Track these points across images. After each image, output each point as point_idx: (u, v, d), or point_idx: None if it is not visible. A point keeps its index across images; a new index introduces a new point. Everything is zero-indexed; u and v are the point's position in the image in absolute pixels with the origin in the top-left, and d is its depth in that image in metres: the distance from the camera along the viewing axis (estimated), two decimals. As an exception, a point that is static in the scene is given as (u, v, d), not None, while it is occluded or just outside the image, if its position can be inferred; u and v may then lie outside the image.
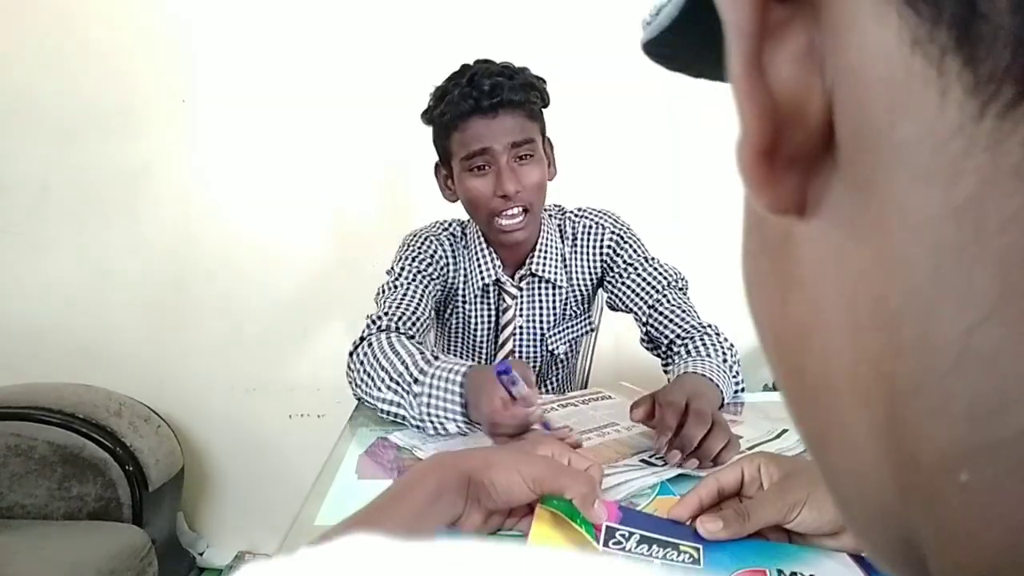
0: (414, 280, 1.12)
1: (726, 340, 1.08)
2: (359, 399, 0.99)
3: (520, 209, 1.05)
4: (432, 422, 0.87)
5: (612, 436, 0.85)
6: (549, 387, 1.31)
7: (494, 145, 1.00)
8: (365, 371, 0.95)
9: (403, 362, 0.92)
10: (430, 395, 0.87)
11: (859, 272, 0.15)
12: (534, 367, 1.25)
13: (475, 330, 1.22)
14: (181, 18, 1.65)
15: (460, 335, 1.24)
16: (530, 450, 0.63)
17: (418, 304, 1.07)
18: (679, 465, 0.75)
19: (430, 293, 1.13)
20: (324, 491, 0.76)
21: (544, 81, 1.06)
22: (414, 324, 1.04)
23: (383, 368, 0.93)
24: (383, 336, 0.99)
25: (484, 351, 1.24)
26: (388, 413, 0.92)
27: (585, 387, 1.46)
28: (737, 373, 1.04)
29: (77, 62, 1.67)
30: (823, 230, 0.16)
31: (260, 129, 1.72)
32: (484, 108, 0.99)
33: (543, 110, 1.08)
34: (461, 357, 1.26)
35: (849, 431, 0.16)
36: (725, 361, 1.01)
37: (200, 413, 1.86)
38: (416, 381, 0.88)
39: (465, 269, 1.18)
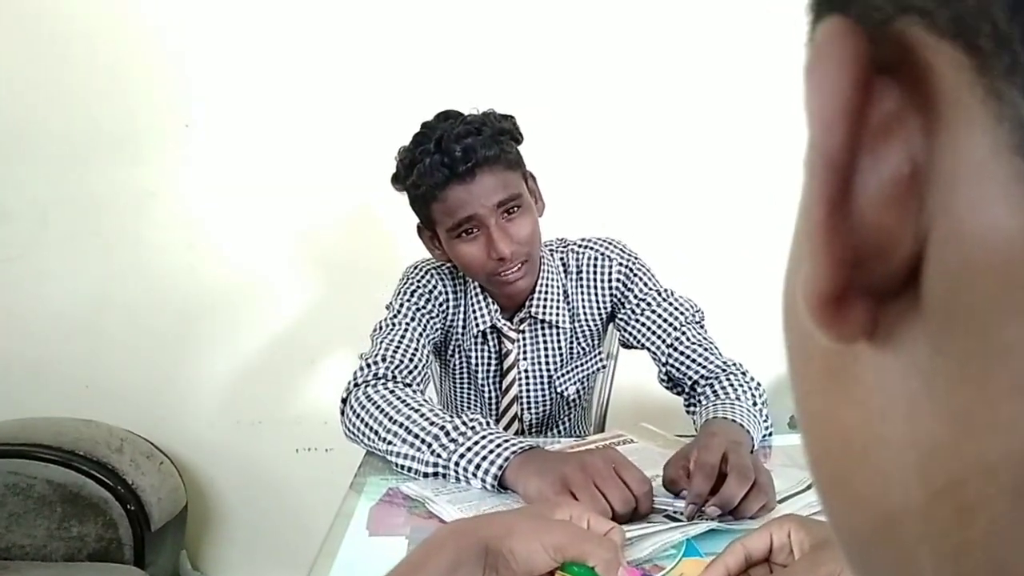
0: (413, 320, 1.11)
1: (752, 379, 1.07)
2: (358, 443, 1.00)
3: (519, 264, 1.05)
4: (459, 474, 0.87)
5: (635, 488, 0.85)
6: (561, 429, 1.30)
7: (479, 211, 0.99)
8: (367, 424, 0.96)
9: (423, 416, 0.92)
10: (470, 449, 0.87)
11: (936, 427, 0.14)
12: (544, 410, 1.24)
13: (476, 373, 1.22)
14: (184, 43, 1.67)
15: (464, 376, 1.24)
16: (548, 514, 0.62)
17: (416, 350, 1.07)
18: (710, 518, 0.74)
19: (428, 336, 1.13)
20: (334, 550, 0.76)
21: (512, 119, 1.05)
22: (411, 372, 1.04)
23: (394, 421, 0.93)
24: (380, 386, 0.98)
25: (488, 394, 1.23)
26: (398, 465, 0.92)
27: (602, 428, 1.46)
28: (767, 417, 1.03)
29: (78, 87, 1.69)
30: (894, 365, 0.15)
31: (265, 155, 1.73)
32: (460, 174, 0.97)
33: (518, 148, 1.06)
34: (467, 399, 1.26)
35: (912, 567, 0.16)
36: (755, 404, 1.01)
37: (204, 448, 1.87)
38: (450, 437, 0.89)
39: (463, 317, 1.18)
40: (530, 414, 1.24)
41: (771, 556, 0.63)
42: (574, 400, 1.27)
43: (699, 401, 1.06)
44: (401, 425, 0.92)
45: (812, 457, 0.19)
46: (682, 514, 0.76)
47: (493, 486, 0.85)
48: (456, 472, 0.87)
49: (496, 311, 1.16)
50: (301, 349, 1.84)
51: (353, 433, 1.00)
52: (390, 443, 0.92)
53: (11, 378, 1.82)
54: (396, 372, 1.02)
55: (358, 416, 0.97)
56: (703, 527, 0.72)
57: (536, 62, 1.67)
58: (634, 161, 1.73)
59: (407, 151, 1.04)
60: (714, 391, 1.03)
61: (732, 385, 1.03)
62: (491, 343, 1.20)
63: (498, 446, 0.86)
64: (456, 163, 0.96)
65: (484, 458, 0.85)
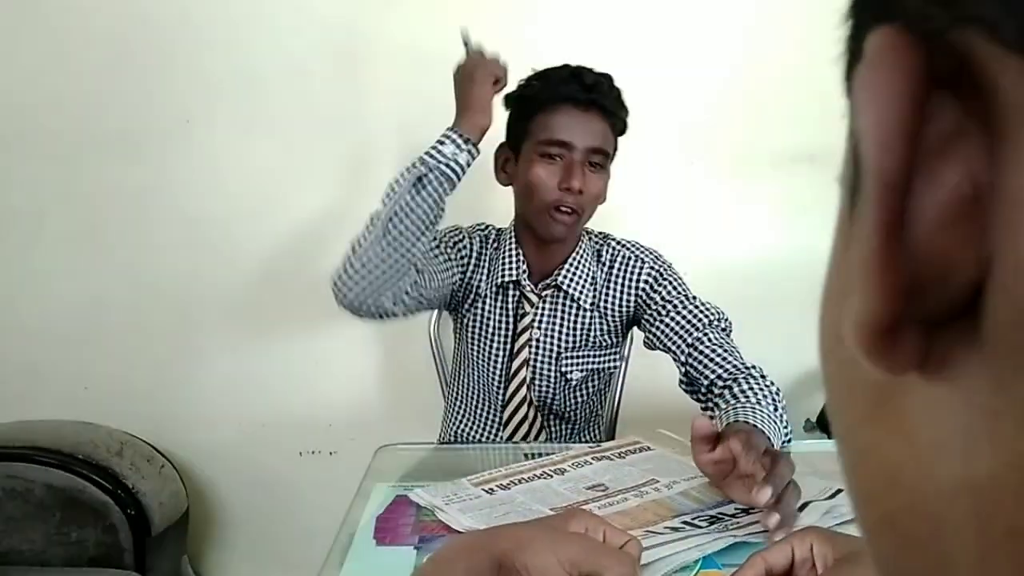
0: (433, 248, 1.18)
1: (772, 384, 1.07)
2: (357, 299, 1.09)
3: (572, 210, 1.10)
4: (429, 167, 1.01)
5: (652, 496, 0.84)
6: (571, 425, 1.31)
7: (576, 141, 1.07)
8: (352, 253, 1.08)
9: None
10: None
11: (997, 471, 0.13)
12: (549, 389, 1.26)
13: (491, 332, 1.24)
14: (183, 37, 1.67)
15: (477, 337, 1.26)
16: (562, 526, 0.62)
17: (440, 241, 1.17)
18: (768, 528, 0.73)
19: (440, 261, 1.18)
20: (340, 560, 0.76)
21: (628, 112, 1.13)
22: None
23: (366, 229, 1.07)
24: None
25: (499, 358, 1.25)
26: (392, 216, 1.04)
27: (612, 433, 1.46)
28: (787, 423, 1.02)
29: (76, 84, 1.69)
30: (948, 398, 0.15)
31: (268, 151, 1.73)
32: (579, 100, 1.06)
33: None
34: (477, 362, 1.28)
35: None
36: (776, 410, 1.00)
37: (206, 451, 1.87)
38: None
39: (488, 268, 1.23)
40: (536, 386, 1.25)
41: (793, 570, 0.62)
42: (579, 390, 1.27)
43: (716, 404, 1.05)
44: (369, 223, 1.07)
45: (857, 494, 0.18)
46: (702, 520, 0.75)
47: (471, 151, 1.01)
48: (438, 163, 1.01)
49: (524, 270, 1.20)
50: (305, 351, 1.84)
51: (343, 281, 1.11)
52: (369, 230, 1.06)
53: (9, 380, 1.82)
54: None
55: (344, 266, 1.10)
56: (722, 543, 0.72)
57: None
58: (639, 162, 1.71)
59: (538, 71, 1.12)
60: (733, 394, 1.03)
61: (752, 388, 1.03)
62: (510, 300, 1.23)
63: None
64: (582, 90, 1.06)
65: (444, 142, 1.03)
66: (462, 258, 1.21)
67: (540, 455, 0.99)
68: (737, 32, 1.68)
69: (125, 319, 1.81)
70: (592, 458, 0.95)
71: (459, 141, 1.03)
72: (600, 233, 1.27)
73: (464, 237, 1.23)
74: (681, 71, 1.69)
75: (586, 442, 1.35)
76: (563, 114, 1.07)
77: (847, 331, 0.15)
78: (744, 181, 1.76)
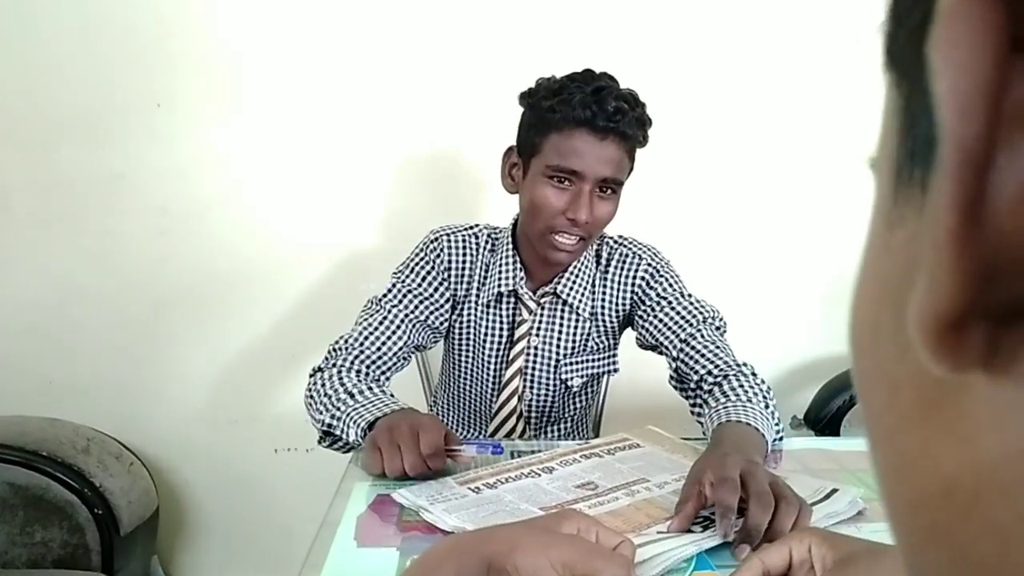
0: (400, 303, 1.16)
1: (763, 381, 1.07)
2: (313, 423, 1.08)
3: (578, 237, 1.08)
4: (343, 424, 0.97)
5: (643, 496, 0.84)
6: (563, 426, 1.30)
7: (587, 171, 1.03)
8: (314, 404, 1.05)
9: (348, 393, 1.01)
10: (363, 405, 0.98)
11: None
12: (546, 397, 1.26)
13: (485, 341, 1.23)
14: (155, 15, 1.64)
15: (469, 346, 1.25)
16: (554, 527, 0.61)
17: (391, 338, 1.13)
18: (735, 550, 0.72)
19: (417, 319, 1.17)
20: (320, 562, 0.74)
21: (651, 123, 1.09)
22: (375, 363, 1.11)
23: (327, 395, 1.03)
24: (336, 374, 1.06)
25: (493, 367, 1.24)
26: (315, 420, 1.04)
27: (597, 429, 1.45)
28: (778, 420, 1.02)
29: (42, 64, 1.65)
30: (1017, 399, 0.14)
31: (243, 135, 1.70)
32: (598, 127, 1.01)
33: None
34: (469, 372, 1.27)
35: None
36: (767, 407, 1.00)
37: (177, 448, 1.85)
38: (354, 400, 1.00)
39: (482, 277, 1.20)
40: (531, 394, 1.25)
41: (791, 572, 0.62)
42: (578, 395, 1.28)
43: (706, 401, 1.05)
44: (330, 398, 1.02)
45: (899, 502, 0.17)
46: (696, 522, 0.75)
47: (359, 437, 0.94)
48: (342, 424, 0.97)
49: (523, 278, 1.19)
50: (281, 344, 1.82)
51: (308, 412, 1.07)
52: (320, 412, 1.02)
53: (-30, 374, 1.78)
54: (361, 364, 1.09)
55: (311, 397, 1.07)
56: (716, 540, 0.71)
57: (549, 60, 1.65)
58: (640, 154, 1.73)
59: (561, 79, 1.07)
60: (723, 392, 1.03)
61: (742, 386, 1.02)
62: (505, 309, 1.22)
63: (384, 404, 0.97)
64: (602, 115, 1.01)
65: (367, 410, 0.96)
66: (445, 277, 1.19)
67: (527, 453, 0.98)
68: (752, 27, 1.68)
69: (93, 310, 1.77)
70: (581, 456, 0.95)
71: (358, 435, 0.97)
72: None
73: (447, 252, 1.19)
74: (670, 63, 1.69)
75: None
76: (578, 140, 1.03)
77: (911, 322, 0.14)
78: (731, 176, 1.77)
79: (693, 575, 0.69)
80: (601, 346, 1.25)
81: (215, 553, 1.93)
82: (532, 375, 1.23)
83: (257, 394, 1.84)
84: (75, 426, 1.70)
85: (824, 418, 1.67)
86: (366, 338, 1.11)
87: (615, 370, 1.30)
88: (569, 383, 1.24)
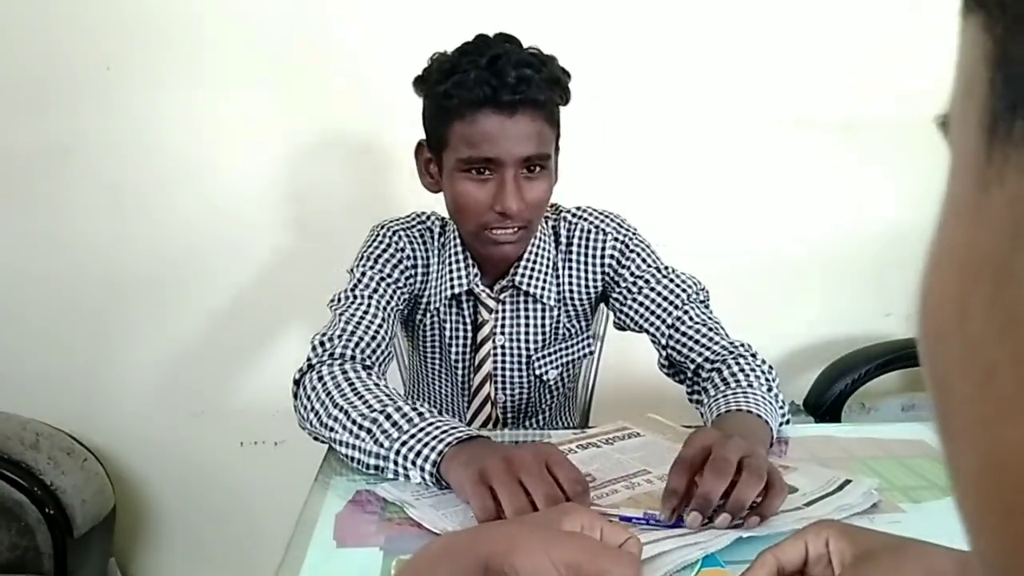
0: (376, 292, 1.10)
1: (764, 362, 1.06)
2: (314, 438, 0.97)
3: (516, 227, 1.03)
4: (398, 464, 0.85)
5: (644, 488, 0.83)
6: (541, 418, 1.30)
7: (504, 155, 0.97)
8: (313, 409, 0.94)
9: (365, 402, 0.90)
10: (413, 436, 0.84)
11: None
12: (520, 394, 1.24)
13: (447, 345, 1.21)
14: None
15: (433, 349, 1.23)
16: (555, 524, 0.59)
17: (379, 326, 1.05)
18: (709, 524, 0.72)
19: (394, 308, 1.11)
20: (297, 565, 0.72)
21: (570, 76, 1.03)
22: (374, 352, 1.02)
23: (337, 406, 0.91)
24: (336, 367, 0.97)
25: (461, 371, 1.22)
26: (343, 455, 0.91)
27: (587, 417, 1.45)
28: (783, 403, 1.02)
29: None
30: None
31: (202, 103, 1.67)
32: (503, 103, 0.95)
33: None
34: (436, 375, 1.25)
35: None
36: (770, 390, 0.99)
37: (135, 442, 1.82)
38: (393, 421, 0.86)
39: (438, 272, 1.16)
40: (505, 395, 1.23)
41: (807, 568, 0.61)
42: (555, 386, 1.26)
43: (705, 389, 1.04)
44: (343, 410, 0.90)
45: (995, 504, 0.16)
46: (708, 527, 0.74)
47: (432, 477, 0.82)
48: (396, 464, 0.85)
49: (476, 275, 1.14)
50: (247, 328, 1.80)
51: (303, 420, 0.98)
52: (332, 429, 0.91)
53: (-95, 364, 1.75)
54: (355, 351, 1.01)
55: (308, 399, 0.96)
56: (728, 539, 0.70)
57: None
58: (635, 142, 1.75)
59: (451, 56, 1.00)
60: (722, 378, 1.02)
61: (743, 370, 1.01)
62: (465, 310, 1.18)
63: (442, 432, 0.83)
64: (503, 89, 0.94)
65: (426, 444, 0.83)
66: (409, 271, 1.14)
67: (518, 443, 0.97)
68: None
69: (40, 294, 1.74)
70: (577, 446, 0.93)
71: (425, 477, 0.84)
72: (552, 206, 1.20)
73: (402, 242, 1.14)
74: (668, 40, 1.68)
75: None
76: (484, 122, 0.96)
77: None
78: (729, 157, 1.79)
79: (702, 572, 0.69)
80: (573, 331, 1.22)
81: (177, 554, 1.91)
82: (503, 376, 1.21)
83: (221, 383, 1.83)
84: (23, 420, 1.68)
85: (824, 404, 1.68)
86: (355, 327, 1.02)
87: (591, 353, 1.28)
88: (544, 377, 1.22)
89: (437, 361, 1.23)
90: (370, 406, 0.89)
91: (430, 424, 0.85)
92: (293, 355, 1.80)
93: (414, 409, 0.88)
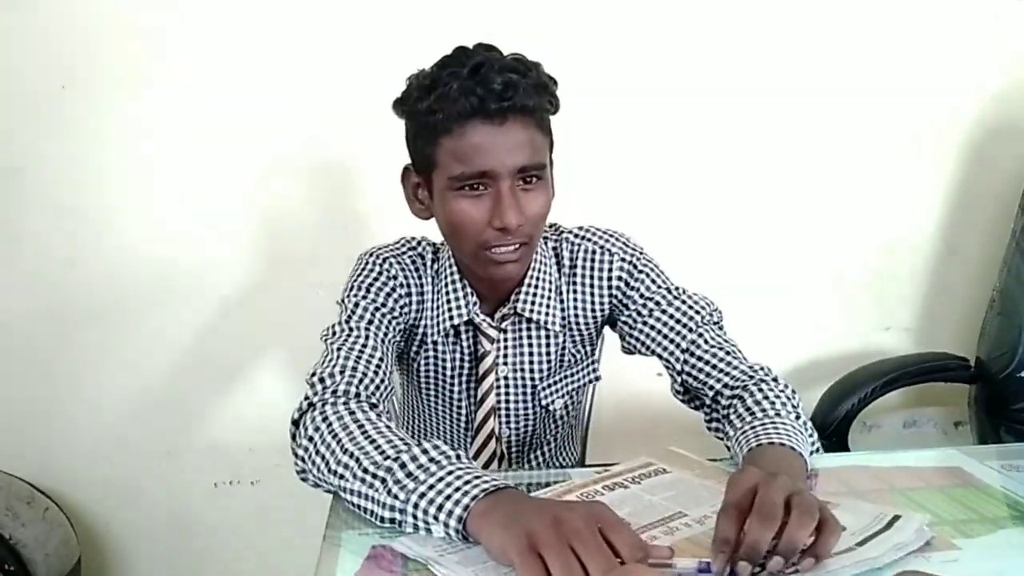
0: (371, 323, 1.06)
1: (787, 386, 1.04)
2: (314, 484, 0.92)
3: (517, 243, 1.01)
4: (417, 518, 0.80)
5: (684, 533, 0.80)
6: (546, 450, 1.28)
7: (498, 167, 0.95)
8: (319, 453, 0.89)
9: (378, 447, 0.85)
10: (432, 487, 0.80)
11: None
12: (526, 427, 1.22)
13: (448, 379, 1.18)
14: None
15: (431, 385, 1.20)
16: None
17: (380, 360, 1.02)
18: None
19: (392, 339, 1.08)
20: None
21: (556, 83, 1.01)
22: (377, 388, 0.99)
23: (347, 451, 0.86)
24: (340, 405, 0.92)
25: (462, 406, 1.20)
26: (352, 504, 0.85)
27: (584, 445, 1.43)
28: (811, 431, 1.00)
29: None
30: None
31: (161, 120, 1.65)
32: (491, 112, 0.93)
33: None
34: (434, 412, 1.23)
35: None
36: (798, 417, 0.98)
37: (100, 488, 1.80)
38: (407, 471, 0.82)
39: (433, 303, 1.13)
40: (509, 429, 1.21)
41: None
42: (560, 417, 1.25)
43: (728, 419, 1.01)
44: (353, 456, 0.86)
45: None
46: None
47: (457, 533, 0.78)
48: (415, 518, 0.80)
49: (475, 303, 1.12)
50: (216, 361, 1.78)
51: (306, 468, 0.92)
52: (342, 477, 0.85)
53: None
54: (359, 387, 0.96)
55: (312, 442, 0.90)
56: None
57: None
58: (636, 152, 1.77)
59: (431, 71, 0.98)
60: (747, 406, 0.99)
61: (767, 397, 0.99)
62: (464, 342, 1.16)
63: (466, 483, 0.79)
64: (491, 97, 0.92)
65: (448, 497, 0.78)
66: (403, 300, 1.11)
67: (537, 486, 0.94)
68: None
69: (-9, 330, 1.70)
70: (603, 487, 0.90)
71: (450, 533, 0.79)
72: (552, 227, 1.19)
73: (394, 269, 1.11)
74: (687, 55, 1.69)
75: (561, 466, 1.32)
76: (473, 135, 0.94)
77: None
78: (734, 170, 1.81)
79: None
80: (578, 357, 1.21)
81: (147, 607, 1.88)
82: (507, 409, 1.19)
83: (190, 420, 1.81)
84: (-25, 468, 1.64)
85: (831, 424, 1.68)
86: (356, 362, 0.99)
87: (597, 378, 1.27)
88: (550, 407, 1.21)
89: (434, 396, 1.21)
90: (383, 452, 0.85)
91: (449, 473, 0.81)
92: (267, 388, 1.81)
93: (434, 454, 0.83)
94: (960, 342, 1.90)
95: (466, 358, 1.16)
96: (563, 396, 1.22)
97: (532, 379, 1.18)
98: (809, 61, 1.75)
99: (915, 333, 1.99)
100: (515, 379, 1.18)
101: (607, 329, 1.24)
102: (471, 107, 0.93)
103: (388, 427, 0.89)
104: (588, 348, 1.21)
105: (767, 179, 1.82)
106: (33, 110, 1.62)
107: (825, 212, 1.86)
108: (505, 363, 1.17)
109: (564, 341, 1.18)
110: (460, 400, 1.19)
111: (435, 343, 1.15)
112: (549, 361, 1.18)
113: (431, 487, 0.80)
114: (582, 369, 1.22)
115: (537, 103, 0.96)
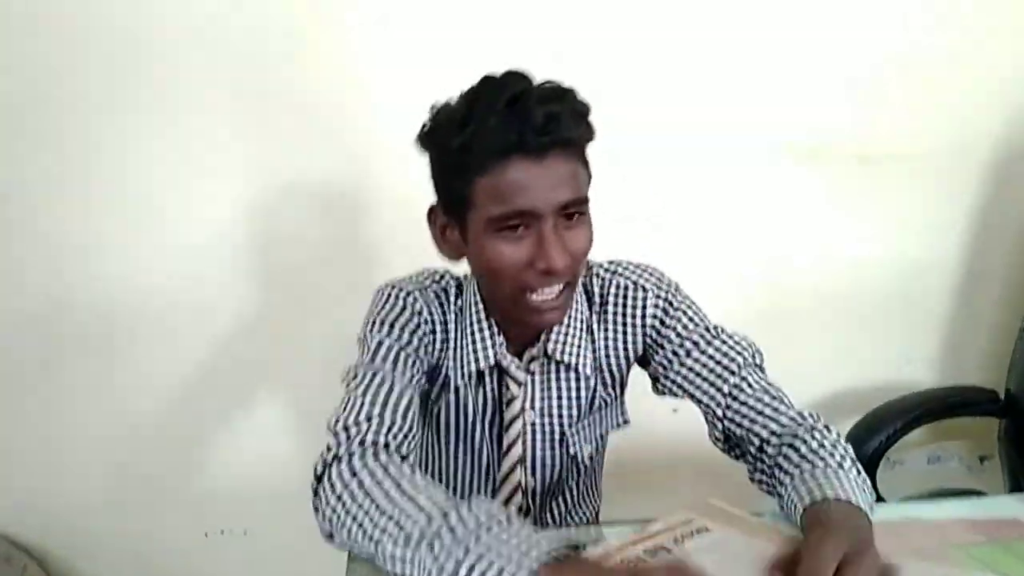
0: (396, 364, 1.01)
1: (839, 435, 1.00)
2: (340, 546, 0.87)
3: (562, 285, 0.96)
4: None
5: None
6: (568, 497, 1.23)
7: (541, 205, 0.90)
8: (349, 512, 0.83)
9: (419, 507, 0.80)
10: (481, 556, 0.74)
11: None
12: (552, 476, 1.17)
13: (470, 425, 1.13)
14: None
15: (452, 431, 1.15)
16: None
17: (407, 406, 0.97)
18: None
19: (418, 381, 1.03)
20: None
21: (590, 108, 0.96)
22: (406, 437, 0.94)
23: (383, 512, 0.81)
24: (370, 458, 0.87)
25: (483, 454, 1.15)
26: (393, 573, 0.80)
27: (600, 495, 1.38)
28: (865, 478, 0.95)
29: None
30: None
31: (160, 142, 1.60)
32: (530, 147, 0.88)
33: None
34: (454, 459, 1.17)
35: None
36: (859, 473, 0.93)
37: (82, 542, 1.76)
38: (455, 535, 0.76)
39: (457, 343, 1.09)
40: (534, 479, 1.16)
41: None
42: (586, 465, 1.20)
43: (779, 468, 0.97)
44: (392, 519, 0.80)
45: None
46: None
47: None
48: None
49: (502, 344, 1.07)
50: (207, 400, 1.74)
51: (333, 530, 0.86)
52: (379, 543, 0.80)
53: None
54: (388, 437, 0.91)
55: (341, 500, 0.85)
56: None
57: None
58: (657, 179, 1.76)
59: (460, 104, 0.92)
60: (801, 455, 0.95)
61: (822, 446, 0.95)
62: (489, 387, 1.11)
63: (520, 552, 0.74)
64: (531, 131, 0.87)
65: (502, 570, 0.73)
66: (427, 338, 1.07)
67: (567, 548, 0.88)
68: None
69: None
70: (644, 551, 0.85)
71: None
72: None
73: (419, 303, 1.07)
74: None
75: (582, 520, 1.28)
76: (514, 172, 0.89)
77: None
78: (753, 192, 1.80)
79: None
80: (608, 400, 1.17)
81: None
82: (533, 458, 1.15)
83: (179, 466, 1.77)
84: (-52, 523, 1.60)
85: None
86: (383, 408, 0.94)
87: (626, 422, 1.22)
88: (578, 456, 1.17)
89: (454, 443, 1.16)
90: (427, 514, 0.79)
91: (498, 540, 0.76)
92: (262, 429, 1.77)
93: (483, 517, 0.78)
94: (988, 371, 1.88)
95: (490, 403, 1.12)
96: (591, 442, 1.17)
97: (560, 425, 1.13)
98: (829, 80, 1.74)
99: (940, 363, 1.97)
100: (543, 426, 1.13)
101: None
102: (510, 143, 0.88)
103: (427, 483, 0.84)
104: (618, 390, 1.17)
105: (776, 204, 1.81)
106: (17, 132, 1.58)
107: (862, 224, 1.84)
108: (532, 408, 1.12)
109: (595, 385, 1.13)
110: (481, 448, 1.14)
111: (458, 388, 1.10)
112: (579, 406, 1.13)
113: (481, 556, 0.74)
114: (610, 411, 1.18)
115: (578, 135, 0.93)
